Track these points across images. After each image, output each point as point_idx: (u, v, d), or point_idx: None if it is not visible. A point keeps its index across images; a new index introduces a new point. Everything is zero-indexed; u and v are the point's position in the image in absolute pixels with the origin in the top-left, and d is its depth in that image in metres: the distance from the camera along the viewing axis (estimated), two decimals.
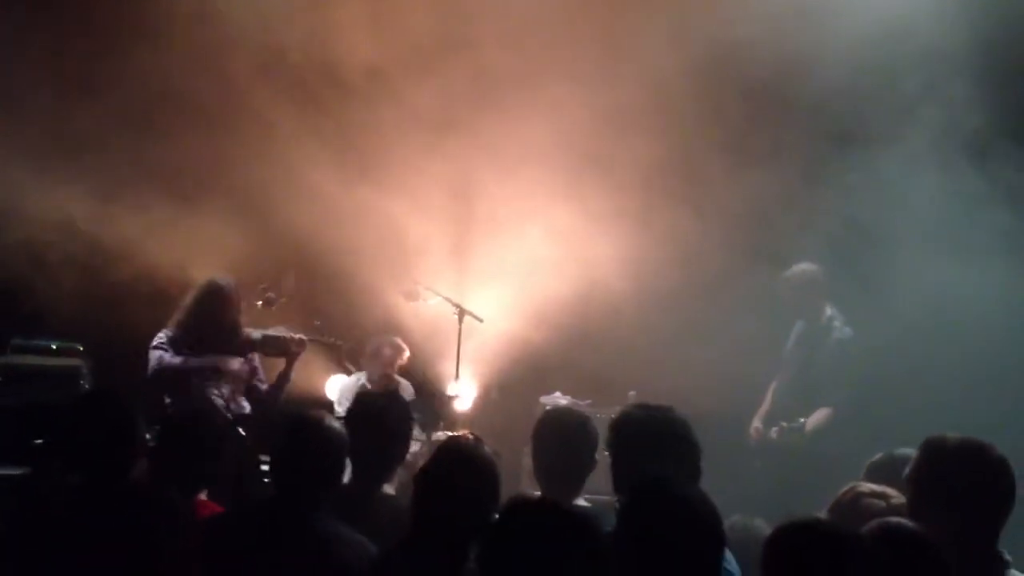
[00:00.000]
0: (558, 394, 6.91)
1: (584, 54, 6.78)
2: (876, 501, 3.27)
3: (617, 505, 3.01)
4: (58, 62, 6.50)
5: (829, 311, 6.38)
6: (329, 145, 6.89)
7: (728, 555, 3.23)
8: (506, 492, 3.26)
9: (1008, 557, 3.08)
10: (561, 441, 3.84)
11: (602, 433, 3.70)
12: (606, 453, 3.60)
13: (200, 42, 6.60)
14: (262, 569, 3.28)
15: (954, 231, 6.12)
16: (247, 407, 5.93)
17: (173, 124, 6.71)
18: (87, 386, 6.18)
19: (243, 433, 5.65)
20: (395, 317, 7.07)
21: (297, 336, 6.00)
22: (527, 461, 4.27)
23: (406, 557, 3.16)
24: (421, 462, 3.56)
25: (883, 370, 6.21)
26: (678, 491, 2.80)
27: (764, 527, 3.62)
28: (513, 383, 7.22)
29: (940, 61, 6.24)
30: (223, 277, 5.97)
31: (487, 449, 3.31)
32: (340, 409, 6.47)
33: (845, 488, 3.43)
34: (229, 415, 5.73)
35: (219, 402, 5.78)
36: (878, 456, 3.95)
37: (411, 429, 4.18)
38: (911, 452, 3.76)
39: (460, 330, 6.76)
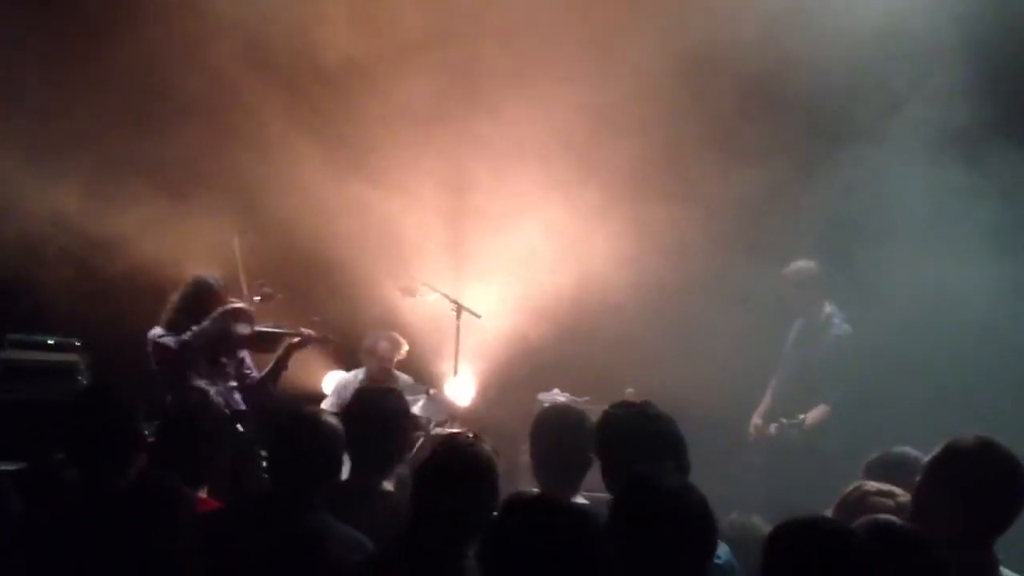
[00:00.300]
0: (556, 391, 6.90)
1: (577, 50, 6.79)
2: (883, 499, 3.28)
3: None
4: (51, 57, 6.48)
5: (828, 308, 6.39)
6: (325, 141, 6.89)
7: (725, 548, 3.24)
8: (504, 489, 3.27)
9: (1000, 556, 3.09)
10: (559, 438, 3.85)
11: None
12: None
13: (196, 38, 6.58)
14: (258, 565, 3.28)
15: (946, 227, 6.13)
16: (243, 404, 5.93)
17: (169, 119, 6.71)
18: (85, 381, 6.17)
19: (240, 429, 5.65)
20: (393, 313, 7.07)
21: (290, 331, 6.00)
22: (525, 458, 4.28)
23: (404, 553, 3.16)
24: (420, 458, 3.56)
25: (875, 367, 6.21)
26: (665, 484, 2.81)
27: (762, 524, 3.63)
28: (511, 380, 7.21)
29: (931, 57, 6.25)
30: (211, 274, 5.94)
31: (485, 446, 3.31)
32: (329, 404, 6.48)
33: (851, 487, 3.43)
34: (227, 411, 5.72)
35: (217, 400, 5.77)
36: (875, 454, 3.95)
37: (410, 425, 4.18)
38: (908, 450, 3.79)
39: (458, 327, 6.76)
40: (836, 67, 6.34)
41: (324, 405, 6.45)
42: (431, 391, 6.63)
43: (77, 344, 6.38)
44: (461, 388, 6.95)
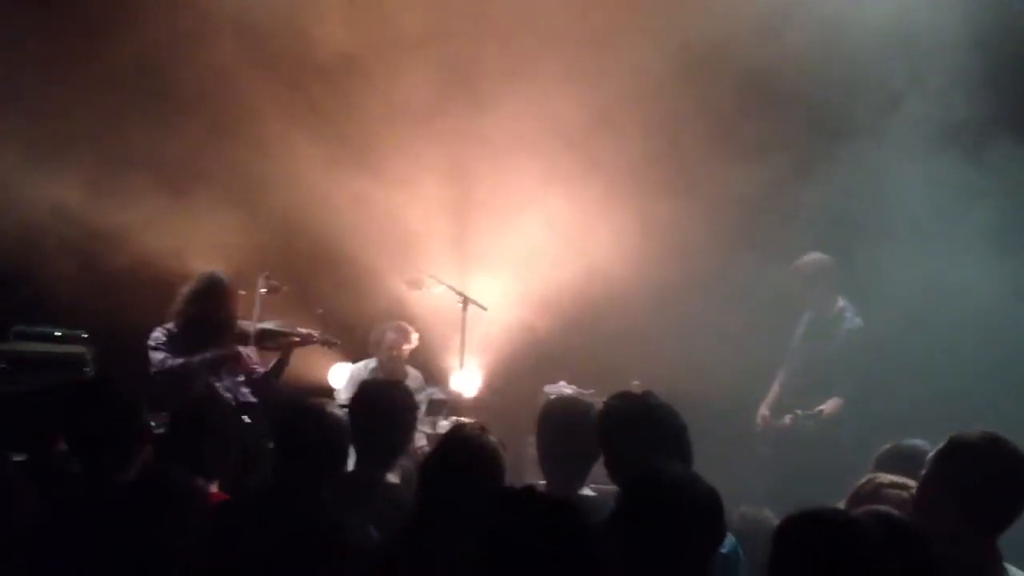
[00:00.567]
0: (562, 383, 6.89)
1: (577, 47, 6.77)
2: (898, 491, 3.26)
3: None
4: (54, 55, 6.48)
5: (841, 302, 6.36)
6: (328, 137, 6.88)
7: (730, 539, 3.21)
8: (510, 481, 3.25)
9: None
10: (565, 430, 3.83)
11: None
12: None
13: (199, 35, 6.58)
14: (264, 557, 3.27)
15: (945, 223, 6.11)
16: (251, 396, 5.95)
17: (173, 116, 6.72)
18: (91, 373, 6.17)
19: (248, 421, 5.65)
20: (399, 306, 7.07)
21: (293, 332, 6.06)
22: (531, 450, 4.26)
23: (409, 545, 3.15)
24: (425, 451, 3.55)
25: (879, 362, 6.21)
26: (671, 475, 2.79)
27: (772, 518, 3.61)
28: (517, 372, 7.21)
29: (931, 53, 6.22)
30: (220, 270, 6.01)
31: (491, 438, 3.30)
32: (343, 396, 6.48)
33: (864, 479, 3.43)
34: (235, 404, 5.74)
35: (226, 394, 5.79)
36: (885, 447, 3.94)
37: (415, 417, 4.17)
38: (919, 442, 3.77)
39: (464, 319, 6.75)
40: (837, 64, 6.33)
41: (341, 396, 6.47)
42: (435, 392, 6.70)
43: (84, 336, 6.37)
44: (467, 380, 6.94)
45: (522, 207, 7.03)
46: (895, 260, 6.14)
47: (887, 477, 3.38)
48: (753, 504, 3.84)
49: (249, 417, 5.70)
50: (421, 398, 6.52)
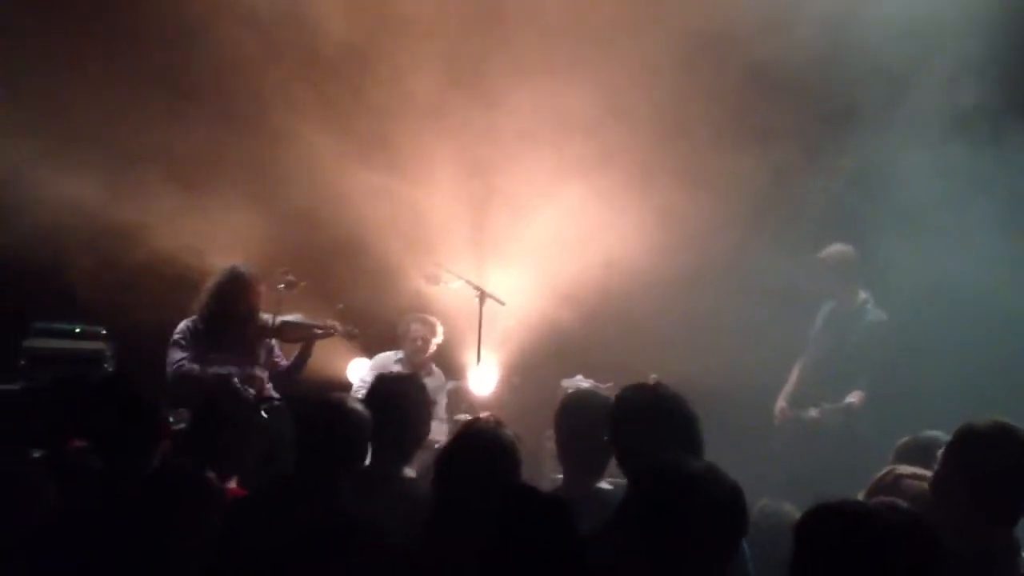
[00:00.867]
0: (580, 377, 6.86)
1: (588, 37, 6.76)
2: (918, 483, 3.24)
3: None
4: (69, 48, 6.51)
5: (863, 294, 6.31)
6: (345, 129, 6.89)
7: None
8: (528, 475, 3.24)
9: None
10: (583, 424, 3.82)
11: None
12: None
13: (216, 27, 6.59)
14: (282, 551, 3.27)
15: (954, 211, 6.05)
16: (274, 393, 5.98)
17: (191, 112, 6.73)
18: (111, 369, 6.20)
19: (268, 416, 5.67)
20: (418, 301, 7.08)
21: (316, 323, 6.08)
22: (549, 444, 4.25)
23: (428, 540, 3.14)
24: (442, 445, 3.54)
25: (899, 354, 6.17)
26: (693, 469, 2.74)
27: (794, 511, 3.58)
28: (534, 366, 7.20)
29: (938, 41, 6.17)
30: (243, 264, 6.03)
31: (508, 432, 3.29)
32: (360, 390, 6.49)
33: (884, 470, 3.41)
34: (255, 399, 5.76)
35: (243, 386, 5.80)
36: (905, 439, 3.91)
37: (429, 411, 4.16)
38: (939, 434, 3.74)
39: (481, 313, 6.74)
40: (846, 51, 6.29)
41: (358, 391, 6.48)
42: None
43: (103, 332, 6.41)
44: (485, 375, 6.94)
45: (538, 200, 7.03)
46: (906, 248, 6.09)
47: (907, 468, 3.37)
48: (773, 498, 3.82)
49: (270, 412, 5.72)
50: (441, 396, 6.55)
